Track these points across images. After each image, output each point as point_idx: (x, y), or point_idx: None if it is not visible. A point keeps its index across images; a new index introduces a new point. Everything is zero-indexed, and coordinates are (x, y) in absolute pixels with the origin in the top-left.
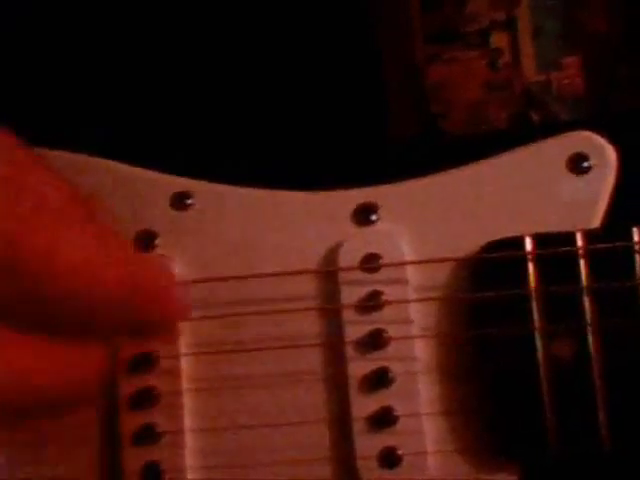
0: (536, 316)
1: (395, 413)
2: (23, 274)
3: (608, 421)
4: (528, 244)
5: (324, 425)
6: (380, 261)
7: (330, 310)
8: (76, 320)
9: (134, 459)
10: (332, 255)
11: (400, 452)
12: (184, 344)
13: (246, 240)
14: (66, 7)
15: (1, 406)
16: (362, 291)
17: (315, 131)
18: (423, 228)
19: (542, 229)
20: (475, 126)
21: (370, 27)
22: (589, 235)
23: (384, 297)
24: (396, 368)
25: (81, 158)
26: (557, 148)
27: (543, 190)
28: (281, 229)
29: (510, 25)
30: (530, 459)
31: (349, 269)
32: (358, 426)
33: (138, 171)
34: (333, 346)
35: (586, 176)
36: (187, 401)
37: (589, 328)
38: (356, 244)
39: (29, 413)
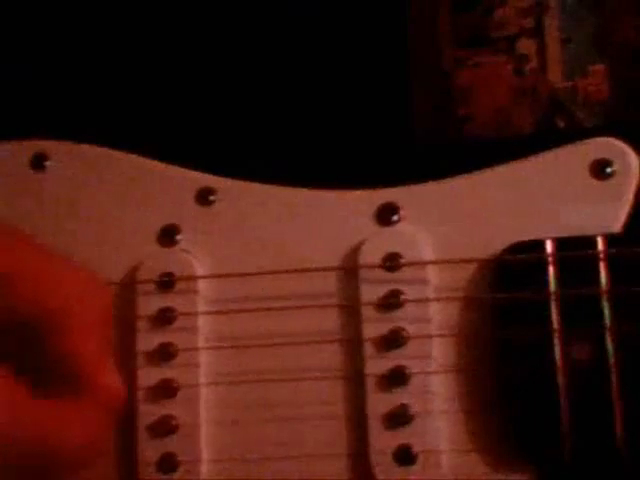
0: (555, 319)
1: (411, 411)
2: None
3: (624, 424)
4: (549, 247)
5: (340, 421)
6: (401, 260)
7: (350, 307)
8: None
9: (150, 450)
10: (353, 253)
11: (415, 450)
12: (203, 338)
13: (268, 237)
14: (79, 8)
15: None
16: (382, 290)
17: (341, 131)
18: (444, 229)
19: (563, 233)
20: (500, 130)
21: (400, 29)
22: (610, 239)
23: (404, 296)
24: (413, 367)
25: (107, 152)
26: (580, 153)
27: (565, 194)
28: (303, 227)
29: (538, 32)
30: (545, 460)
31: (370, 267)
32: (374, 423)
33: (163, 167)
34: (352, 343)
35: (608, 181)
36: (204, 394)
37: (607, 332)
38: (377, 243)
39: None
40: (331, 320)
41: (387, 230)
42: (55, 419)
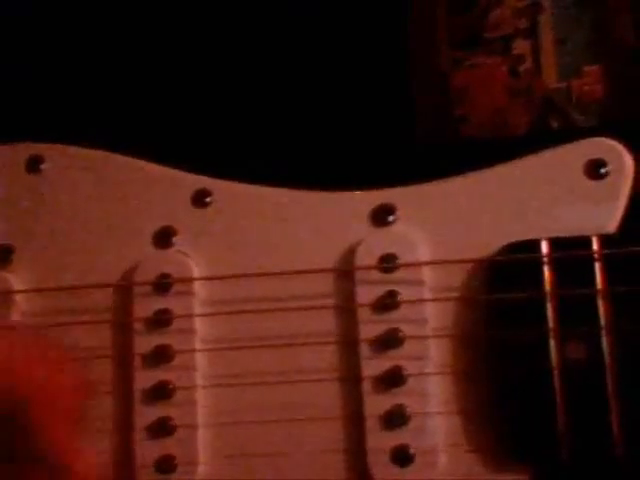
0: (550, 319)
1: (408, 412)
2: None
3: (620, 424)
4: (544, 247)
5: (337, 422)
6: (397, 262)
7: (346, 309)
8: None
9: (148, 452)
10: (349, 255)
11: (412, 451)
12: (200, 340)
13: (264, 238)
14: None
15: None
16: (378, 291)
17: (337, 132)
18: (440, 230)
19: (558, 233)
20: (496, 131)
21: (401, 30)
22: (605, 239)
23: (400, 297)
24: (410, 367)
25: (103, 154)
26: (575, 154)
27: (560, 195)
28: (299, 228)
29: (533, 33)
30: (542, 461)
31: (366, 268)
32: (371, 424)
33: (159, 169)
34: (348, 344)
35: (603, 182)
36: (201, 396)
37: (603, 331)
38: (373, 244)
39: None
40: (327, 321)
41: (383, 231)
42: None
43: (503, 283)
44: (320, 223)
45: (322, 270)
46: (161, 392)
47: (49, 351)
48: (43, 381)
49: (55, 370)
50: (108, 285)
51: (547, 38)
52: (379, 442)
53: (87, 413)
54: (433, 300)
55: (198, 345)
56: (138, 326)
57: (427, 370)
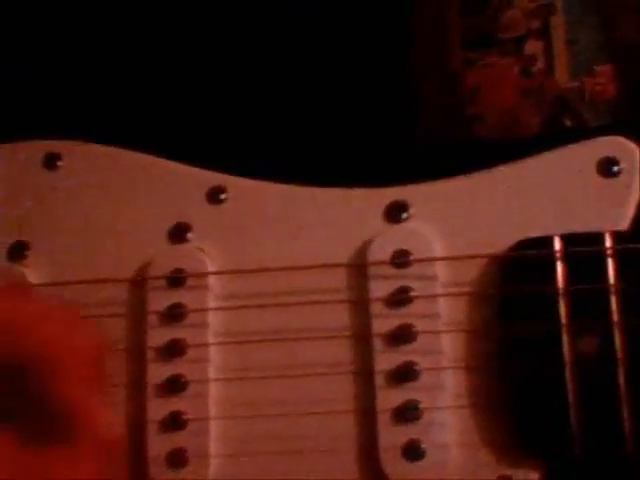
0: (563, 314)
1: (420, 407)
2: None
3: (632, 420)
4: (557, 243)
5: (349, 417)
6: (410, 257)
7: (359, 303)
8: None
9: (160, 446)
10: (363, 250)
11: (424, 446)
12: (213, 334)
13: (278, 234)
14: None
15: None
16: (391, 286)
17: (351, 129)
18: (453, 227)
19: (571, 230)
20: (508, 130)
21: (409, 30)
22: (617, 236)
23: (413, 292)
24: (423, 362)
25: (119, 152)
26: (587, 152)
27: (573, 193)
28: (313, 224)
29: (545, 33)
30: (553, 456)
31: (379, 263)
32: (383, 418)
33: (175, 165)
34: (361, 339)
35: (615, 180)
36: (214, 390)
37: (615, 327)
38: (387, 240)
39: None
40: (340, 316)
41: (396, 227)
42: (51, 468)
43: (516, 279)
44: (334, 219)
45: (336, 265)
46: (174, 386)
47: (63, 310)
48: (56, 337)
49: (69, 327)
50: (123, 279)
51: (559, 38)
52: (391, 437)
53: (103, 372)
54: (446, 295)
55: (211, 339)
56: (152, 320)
57: (440, 365)
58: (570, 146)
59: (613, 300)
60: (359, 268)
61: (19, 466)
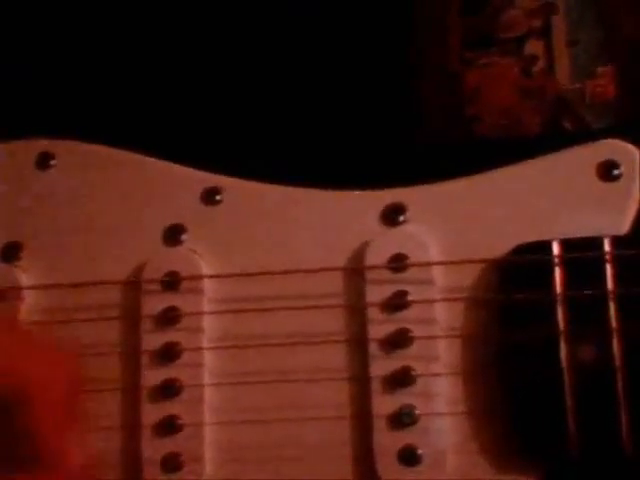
0: (561, 320)
1: (416, 412)
2: None
3: (630, 425)
4: (555, 248)
5: (345, 422)
6: (407, 261)
7: (355, 308)
8: None
9: (154, 450)
10: (359, 254)
11: (420, 451)
12: (208, 337)
13: (274, 236)
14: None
15: None
16: (388, 290)
17: (348, 131)
18: (451, 230)
19: (570, 234)
20: (508, 131)
21: (409, 29)
22: (616, 241)
23: (409, 297)
24: (419, 367)
25: (113, 152)
26: (588, 155)
27: (572, 196)
28: (309, 227)
29: (546, 33)
30: (551, 462)
31: (376, 267)
32: (379, 424)
33: (169, 166)
34: (357, 344)
35: (615, 183)
36: (209, 394)
37: (613, 333)
38: (383, 244)
39: None
40: (336, 320)
41: (393, 231)
42: None
43: (514, 284)
44: (330, 222)
45: (332, 269)
46: (168, 390)
47: (48, 347)
48: (38, 375)
49: (52, 365)
50: (117, 282)
51: (560, 39)
52: (387, 442)
53: (85, 410)
54: (443, 300)
55: (206, 343)
56: (146, 323)
57: (436, 370)
58: (570, 149)
59: (611, 306)
60: (355, 272)
61: None
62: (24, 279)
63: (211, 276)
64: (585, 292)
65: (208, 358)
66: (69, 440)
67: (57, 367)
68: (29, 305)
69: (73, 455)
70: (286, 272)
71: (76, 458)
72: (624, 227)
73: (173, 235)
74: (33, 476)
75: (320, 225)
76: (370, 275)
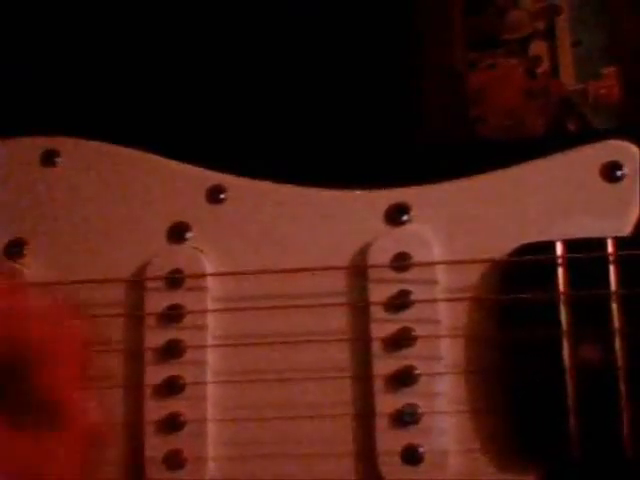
0: (564, 320)
1: (419, 411)
2: None
3: (631, 426)
4: (559, 249)
5: (348, 420)
6: (410, 261)
7: (358, 307)
8: None
9: (157, 447)
10: (363, 253)
11: (422, 450)
12: (211, 336)
13: (278, 235)
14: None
15: None
16: (391, 289)
17: (352, 131)
18: (454, 230)
19: (573, 235)
20: (512, 132)
21: (412, 29)
22: (619, 242)
23: (413, 296)
24: (422, 367)
25: (118, 150)
26: (591, 156)
27: (576, 197)
28: (313, 226)
29: (550, 34)
30: (553, 461)
31: (379, 267)
32: (381, 423)
33: (174, 164)
34: (360, 343)
35: (619, 184)
36: (212, 391)
37: (616, 334)
38: (387, 243)
39: None
40: (340, 319)
41: (397, 230)
42: (36, 452)
43: (517, 284)
44: (334, 221)
45: (335, 268)
46: (171, 387)
47: (58, 306)
48: (48, 333)
49: (61, 324)
50: (121, 279)
51: (564, 40)
52: (389, 441)
53: (88, 366)
54: (446, 300)
55: (209, 341)
56: (150, 321)
57: (439, 370)
58: (573, 150)
59: (614, 306)
60: (359, 271)
61: (4, 448)
62: (28, 276)
63: (215, 274)
64: (588, 293)
65: (211, 356)
66: (84, 398)
67: (68, 326)
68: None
69: (89, 412)
70: (290, 271)
71: (92, 415)
72: (627, 228)
73: (177, 233)
74: (51, 434)
75: (324, 224)
76: (373, 274)
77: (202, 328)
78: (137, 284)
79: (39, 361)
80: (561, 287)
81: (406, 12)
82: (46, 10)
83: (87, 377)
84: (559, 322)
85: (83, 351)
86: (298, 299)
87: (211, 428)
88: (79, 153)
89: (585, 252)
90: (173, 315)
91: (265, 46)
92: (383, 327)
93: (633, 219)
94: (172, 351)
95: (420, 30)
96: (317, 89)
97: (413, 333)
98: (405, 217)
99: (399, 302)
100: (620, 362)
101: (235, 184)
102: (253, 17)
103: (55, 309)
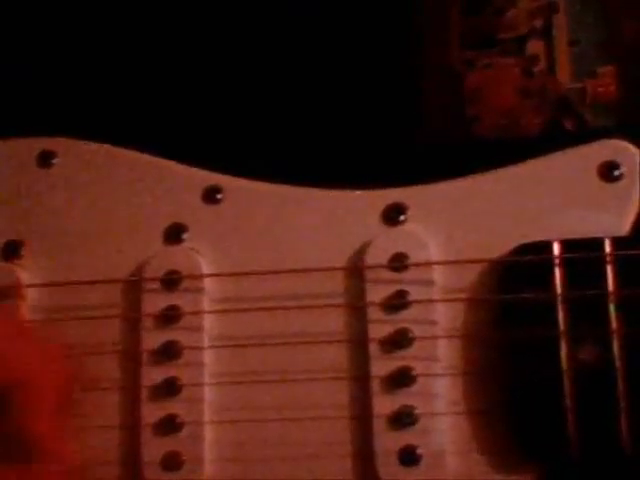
0: (561, 320)
1: (416, 412)
2: None
3: (630, 426)
4: (556, 249)
5: (345, 422)
6: (407, 261)
7: (355, 308)
8: None
9: (154, 449)
10: (360, 253)
11: (420, 451)
12: (208, 337)
13: (275, 236)
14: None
15: None
16: (388, 290)
17: (348, 130)
18: (451, 230)
19: (570, 235)
20: (508, 131)
21: (410, 29)
22: (617, 242)
23: (410, 297)
24: (419, 368)
25: (114, 150)
26: (588, 155)
27: (573, 196)
28: (310, 226)
29: (547, 33)
30: (551, 462)
31: (376, 267)
32: (379, 424)
33: (170, 165)
34: (357, 344)
35: (616, 184)
36: (209, 393)
37: (614, 334)
38: (384, 243)
39: None
40: (337, 320)
41: (394, 230)
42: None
43: (514, 284)
44: (331, 221)
45: (332, 268)
46: (168, 389)
47: (45, 343)
48: (34, 371)
49: (48, 361)
50: (117, 280)
51: (561, 39)
52: (387, 442)
53: (80, 409)
54: (443, 300)
55: (206, 342)
56: (146, 322)
57: (436, 371)
58: (571, 149)
59: (612, 307)
60: (356, 271)
61: None
62: (25, 277)
63: (211, 275)
64: (585, 293)
65: (208, 357)
66: (63, 437)
67: (53, 363)
68: (29, 303)
69: (67, 452)
70: (286, 271)
71: (70, 455)
72: (625, 228)
73: (174, 234)
74: (26, 472)
75: (321, 224)
76: (370, 275)
77: (199, 329)
78: (134, 285)
79: (19, 396)
80: (558, 287)
81: (405, 12)
82: (42, 9)
83: (69, 416)
84: (556, 322)
85: (67, 389)
86: (295, 300)
87: (208, 430)
88: (76, 154)
89: (582, 252)
90: (170, 316)
91: (264, 46)
92: (380, 328)
93: (631, 219)
94: (169, 352)
95: (419, 30)
96: (316, 89)
97: (410, 334)
98: (402, 217)
99: (396, 303)
100: (618, 362)
101: (231, 184)
102: (252, 16)
103: (40, 343)
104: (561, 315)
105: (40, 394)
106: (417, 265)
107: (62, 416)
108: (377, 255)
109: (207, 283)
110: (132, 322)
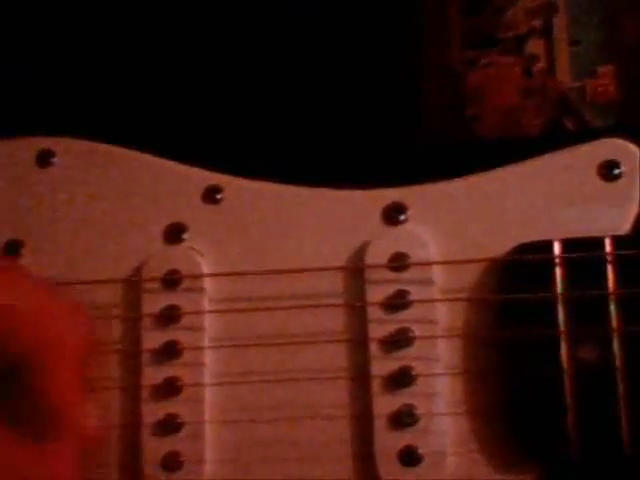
0: (562, 320)
1: (417, 412)
2: None
3: (630, 425)
4: (556, 248)
5: (345, 422)
6: (407, 261)
7: (356, 307)
8: None
9: (154, 449)
10: (360, 253)
11: (420, 451)
12: (209, 336)
13: (275, 235)
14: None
15: None
16: (388, 290)
17: (349, 130)
18: (451, 229)
19: (571, 234)
20: (509, 131)
21: (410, 29)
22: (617, 241)
23: (410, 296)
24: (419, 367)
25: (114, 150)
26: (588, 154)
27: (573, 196)
28: (310, 225)
29: (547, 33)
30: (551, 462)
31: (376, 267)
32: (379, 424)
33: (170, 164)
34: (357, 343)
35: (616, 183)
36: (209, 393)
37: (614, 333)
38: (384, 243)
39: None
40: (337, 320)
41: (394, 230)
42: (34, 460)
43: (514, 284)
44: (331, 221)
45: (332, 268)
46: (169, 389)
47: (63, 306)
48: (53, 335)
49: (67, 325)
50: (117, 280)
51: (561, 38)
52: (387, 442)
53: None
54: (443, 300)
55: (206, 342)
56: (146, 322)
57: (437, 370)
58: (571, 148)
59: (612, 306)
60: (356, 271)
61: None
62: None
63: (211, 275)
64: (586, 292)
65: (208, 357)
66: (83, 402)
67: (72, 327)
68: None
69: (87, 417)
70: (287, 271)
71: (90, 419)
72: (625, 227)
73: (174, 233)
74: (46, 439)
75: (321, 224)
76: (371, 274)
77: (199, 329)
78: (133, 285)
79: (41, 364)
80: (559, 286)
81: (405, 12)
82: (42, 11)
83: (87, 379)
84: (557, 322)
85: (86, 353)
86: (295, 299)
87: (209, 430)
88: (75, 153)
89: (583, 251)
90: (170, 316)
91: (264, 45)
92: (381, 327)
93: (631, 218)
94: (169, 352)
95: (419, 30)
96: (316, 88)
97: (411, 333)
98: (402, 217)
99: (397, 302)
100: (618, 361)
101: (231, 184)
102: (251, 16)
103: (57, 307)
104: (561, 315)
105: (60, 358)
106: (417, 265)
107: (83, 381)
108: (377, 255)
109: (207, 283)
110: (132, 322)
